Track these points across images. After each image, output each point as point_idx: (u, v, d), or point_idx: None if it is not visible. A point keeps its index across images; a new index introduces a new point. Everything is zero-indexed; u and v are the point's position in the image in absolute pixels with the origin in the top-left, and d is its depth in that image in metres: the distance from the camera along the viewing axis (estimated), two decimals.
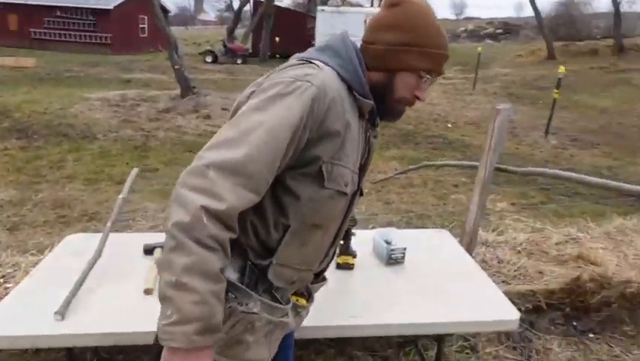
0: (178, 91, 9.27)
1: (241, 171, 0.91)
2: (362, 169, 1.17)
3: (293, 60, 1.09)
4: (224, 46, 20.86)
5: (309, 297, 1.30)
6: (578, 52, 19.23)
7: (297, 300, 1.24)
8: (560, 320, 2.70)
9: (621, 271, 2.82)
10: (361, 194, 1.24)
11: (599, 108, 10.58)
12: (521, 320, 2.65)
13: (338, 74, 1.06)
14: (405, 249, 1.93)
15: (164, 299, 0.87)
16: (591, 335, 2.60)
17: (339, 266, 1.85)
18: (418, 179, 5.32)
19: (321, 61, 1.06)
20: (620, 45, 18.32)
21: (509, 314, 1.63)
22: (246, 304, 1.03)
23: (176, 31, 15.58)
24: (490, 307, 1.67)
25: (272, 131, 0.94)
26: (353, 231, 1.85)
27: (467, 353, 2.41)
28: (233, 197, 0.90)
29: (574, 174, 2.07)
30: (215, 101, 8.82)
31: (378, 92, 1.11)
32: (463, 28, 36.90)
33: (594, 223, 3.49)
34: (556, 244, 3.20)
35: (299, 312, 1.25)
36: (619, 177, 5.69)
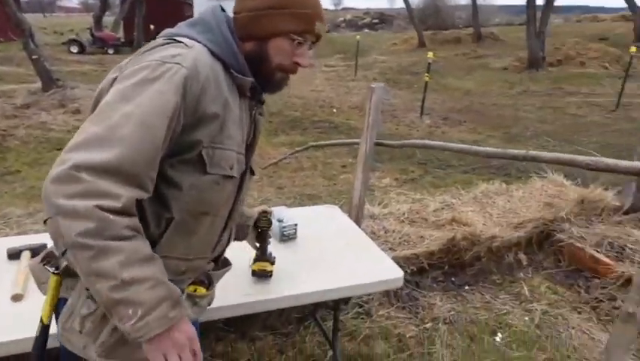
0: (39, 84, 8.28)
1: (117, 172, 0.83)
2: (249, 149, 1.13)
3: (160, 39, 1.02)
4: (92, 35, 19.11)
5: (210, 285, 1.25)
6: (445, 40, 21.08)
7: (195, 290, 1.20)
8: (440, 278, 2.98)
9: (487, 228, 3.20)
10: (252, 173, 1.21)
11: (464, 90, 11.75)
12: (407, 281, 2.90)
13: (210, 50, 1.00)
14: (296, 225, 1.97)
15: (115, 305, 0.83)
16: (467, 287, 2.92)
17: (254, 274, 1.62)
18: (308, 162, 5.44)
19: (190, 37, 1.00)
20: (479, 33, 20.46)
21: (395, 273, 1.75)
22: None
23: (32, 18, 13.83)
24: (378, 270, 1.79)
25: (144, 123, 0.85)
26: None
27: (362, 318, 2.56)
28: (122, 190, 0.83)
29: (439, 143, 2.29)
30: (84, 94, 8.05)
31: (254, 62, 1.07)
32: (342, 19, 38.21)
33: (464, 190, 3.89)
34: (434, 211, 3.51)
35: (197, 302, 1.20)
36: None
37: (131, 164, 0.84)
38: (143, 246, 0.86)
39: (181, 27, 1.06)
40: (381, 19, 37.17)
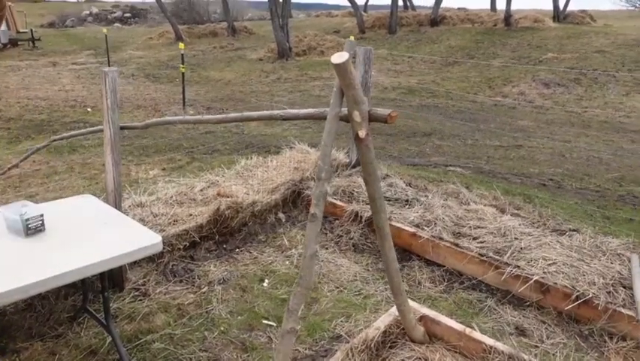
0: None
1: None
2: None
3: None
4: None
5: None
6: (202, 34, 21.28)
7: None
8: (213, 247, 3.23)
9: (248, 197, 3.58)
10: None
11: (225, 81, 12.25)
12: (182, 256, 3.06)
13: None
14: (42, 215, 1.90)
15: None
16: (237, 250, 3.25)
17: None
18: (63, 166, 4.97)
19: None
20: (233, 27, 21.27)
21: (153, 239, 1.90)
22: None
23: None
24: (137, 240, 1.89)
25: None
26: None
27: (141, 300, 2.61)
28: None
29: (178, 117, 2.51)
30: None
31: None
32: (87, 12, 34.47)
33: (228, 169, 4.21)
34: (200, 190, 3.72)
35: None
36: (245, 132, 6.91)
37: None
38: None
39: None
40: (134, 13, 35.01)
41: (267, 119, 1.86)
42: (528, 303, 2.62)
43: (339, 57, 1.39)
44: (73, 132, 3.12)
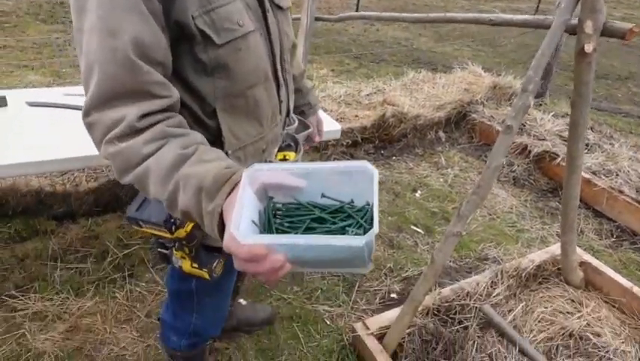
0: None
1: (106, 99, 0.71)
2: None
3: None
4: None
5: (297, 147, 1.15)
6: None
7: (285, 157, 1.11)
8: (372, 150, 3.36)
9: (413, 110, 3.56)
10: (279, 6, 0.98)
11: None
12: (343, 152, 3.24)
13: None
14: None
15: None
16: (394, 158, 3.34)
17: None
18: None
19: None
20: None
21: (334, 126, 2.04)
22: None
23: None
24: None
25: (108, 30, 0.69)
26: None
27: None
28: (122, 111, 0.71)
29: (375, 13, 2.49)
30: None
31: None
32: None
33: (395, 79, 4.20)
34: (367, 95, 3.80)
35: None
36: (414, 46, 6.69)
37: (113, 82, 0.70)
38: (168, 152, 0.70)
39: None
40: None
41: (472, 22, 1.77)
42: None
43: None
44: None
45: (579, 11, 1.32)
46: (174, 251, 1.02)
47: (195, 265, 1.01)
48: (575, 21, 1.32)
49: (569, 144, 1.58)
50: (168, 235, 0.94)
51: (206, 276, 1.01)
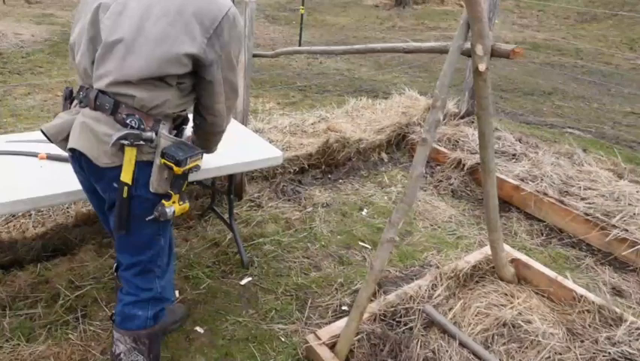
0: None
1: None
2: None
3: None
4: None
5: None
6: None
7: None
8: (319, 175, 3.51)
9: (355, 134, 3.77)
10: None
11: (339, 25, 12.27)
12: (292, 179, 3.37)
13: None
14: None
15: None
16: (340, 181, 3.50)
17: None
18: None
19: None
20: None
21: (276, 153, 2.18)
22: None
23: None
24: (263, 151, 2.19)
25: None
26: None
27: (255, 210, 2.99)
28: None
29: (306, 48, 2.67)
30: None
31: None
32: None
33: (337, 107, 4.42)
34: (312, 124, 3.99)
35: None
36: (356, 76, 7.03)
37: None
38: None
39: None
40: None
41: (390, 51, 1.98)
42: (632, 268, 2.55)
43: None
44: None
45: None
46: (165, 203, 1.36)
47: (182, 203, 1.41)
48: (468, 45, 1.53)
49: (480, 151, 1.78)
50: (197, 163, 1.40)
51: (187, 207, 1.43)
